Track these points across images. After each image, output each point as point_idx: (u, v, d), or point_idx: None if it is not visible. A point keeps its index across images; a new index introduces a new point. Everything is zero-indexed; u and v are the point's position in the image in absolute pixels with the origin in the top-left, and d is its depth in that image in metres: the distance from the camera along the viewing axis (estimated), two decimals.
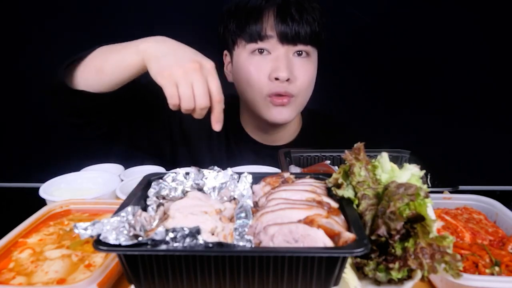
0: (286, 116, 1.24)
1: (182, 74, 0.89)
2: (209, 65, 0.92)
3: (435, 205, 0.87)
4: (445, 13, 1.98)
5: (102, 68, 1.04)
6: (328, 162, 1.14)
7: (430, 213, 0.60)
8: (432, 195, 0.85)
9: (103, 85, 1.06)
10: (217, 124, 0.96)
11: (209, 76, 0.91)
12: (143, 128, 1.30)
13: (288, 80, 1.17)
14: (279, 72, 1.15)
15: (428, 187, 0.96)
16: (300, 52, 1.19)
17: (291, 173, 0.81)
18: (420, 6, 1.98)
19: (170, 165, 1.11)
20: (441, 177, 0.99)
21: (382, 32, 2.04)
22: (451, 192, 0.93)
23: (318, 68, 1.27)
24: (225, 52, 1.30)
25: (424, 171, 1.02)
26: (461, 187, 0.94)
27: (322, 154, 1.18)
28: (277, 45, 1.17)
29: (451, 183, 0.94)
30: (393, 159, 1.13)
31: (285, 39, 1.15)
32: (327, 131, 1.43)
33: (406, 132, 2.00)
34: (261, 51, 1.18)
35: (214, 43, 1.29)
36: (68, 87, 1.06)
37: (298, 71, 1.19)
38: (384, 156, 0.72)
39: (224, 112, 1.30)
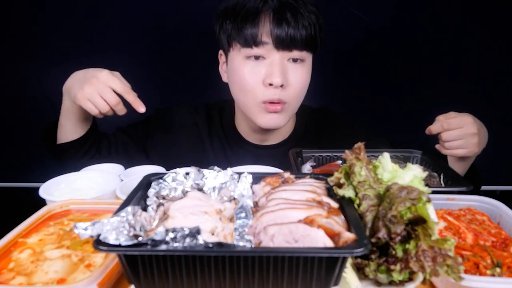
0: (279, 122, 1.24)
1: (89, 90, 1.09)
2: (102, 74, 1.10)
3: (439, 206, 0.86)
4: (451, 13, 1.98)
5: (61, 122, 1.25)
6: (340, 162, 1.13)
7: (432, 215, 0.60)
8: (435, 196, 0.85)
9: (75, 132, 1.26)
10: (139, 107, 1.11)
11: (108, 81, 1.09)
12: (129, 142, 1.41)
13: (282, 86, 1.15)
14: (273, 78, 1.13)
15: (441, 187, 0.97)
16: (296, 59, 1.17)
17: (291, 173, 0.81)
18: (426, 7, 1.98)
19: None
20: (455, 177, 0.98)
21: (386, 32, 2.04)
22: (465, 192, 0.91)
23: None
24: (220, 52, 1.29)
25: (435, 171, 1.03)
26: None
27: (334, 154, 1.17)
28: (272, 51, 1.14)
29: (465, 183, 0.93)
30: (405, 159, 1.13)
31: (281, 45, 1.13)
32: (326, 127, 1.42)
33: (409, 132, 1.99)
34: (256, 57, 1.16)
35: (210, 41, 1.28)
36: (55, 148, 1.28)
37: (292, 76, 1.17)
38: (385, 156, 0.71)
39: (212, 119, 1.42)
